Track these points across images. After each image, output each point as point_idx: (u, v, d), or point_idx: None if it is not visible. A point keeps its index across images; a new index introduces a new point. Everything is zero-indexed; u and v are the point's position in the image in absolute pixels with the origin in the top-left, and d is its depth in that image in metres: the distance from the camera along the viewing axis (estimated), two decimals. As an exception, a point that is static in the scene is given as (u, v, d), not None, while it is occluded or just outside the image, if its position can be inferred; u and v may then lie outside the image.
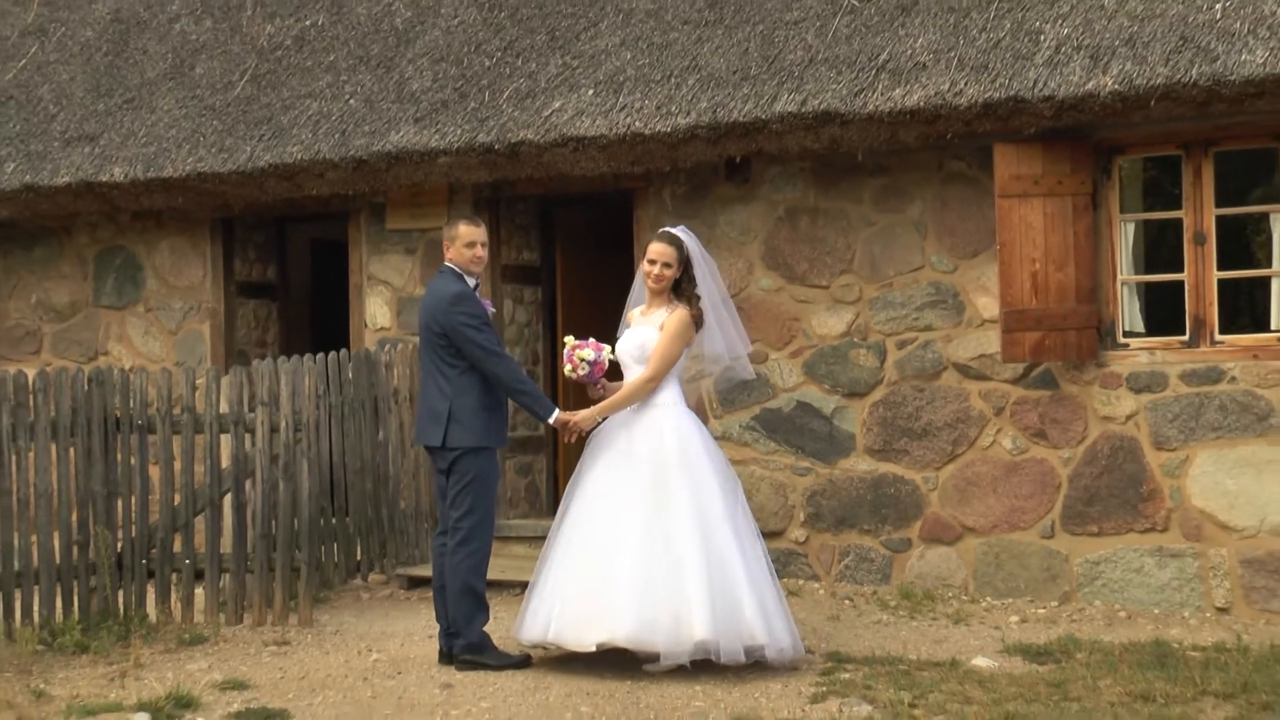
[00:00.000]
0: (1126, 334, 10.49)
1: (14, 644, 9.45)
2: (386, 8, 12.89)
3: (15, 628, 9.63)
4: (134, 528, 10.44)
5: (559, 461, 12.73)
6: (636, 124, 10.93)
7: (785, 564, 10.94)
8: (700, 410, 9.62)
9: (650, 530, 8.60)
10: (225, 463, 10.60)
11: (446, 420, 8.94)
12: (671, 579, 8.52)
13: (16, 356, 13.80)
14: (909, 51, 10.49)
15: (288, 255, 14.35)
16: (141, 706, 8.09)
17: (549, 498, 12.69)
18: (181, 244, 13.37)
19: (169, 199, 12.76)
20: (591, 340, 9.05)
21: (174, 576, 10.53)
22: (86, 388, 10.20)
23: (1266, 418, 9.97)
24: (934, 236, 10.88)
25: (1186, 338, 10.30)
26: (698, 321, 8.93)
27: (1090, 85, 9.82)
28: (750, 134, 10.74)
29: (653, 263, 8.91)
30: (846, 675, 8.57)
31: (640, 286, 9.17)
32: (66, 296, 13.76)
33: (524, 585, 9.42)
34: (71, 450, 10.13)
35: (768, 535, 9.96)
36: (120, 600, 10.29)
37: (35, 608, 9.81)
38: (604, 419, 8.98)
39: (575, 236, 13.18)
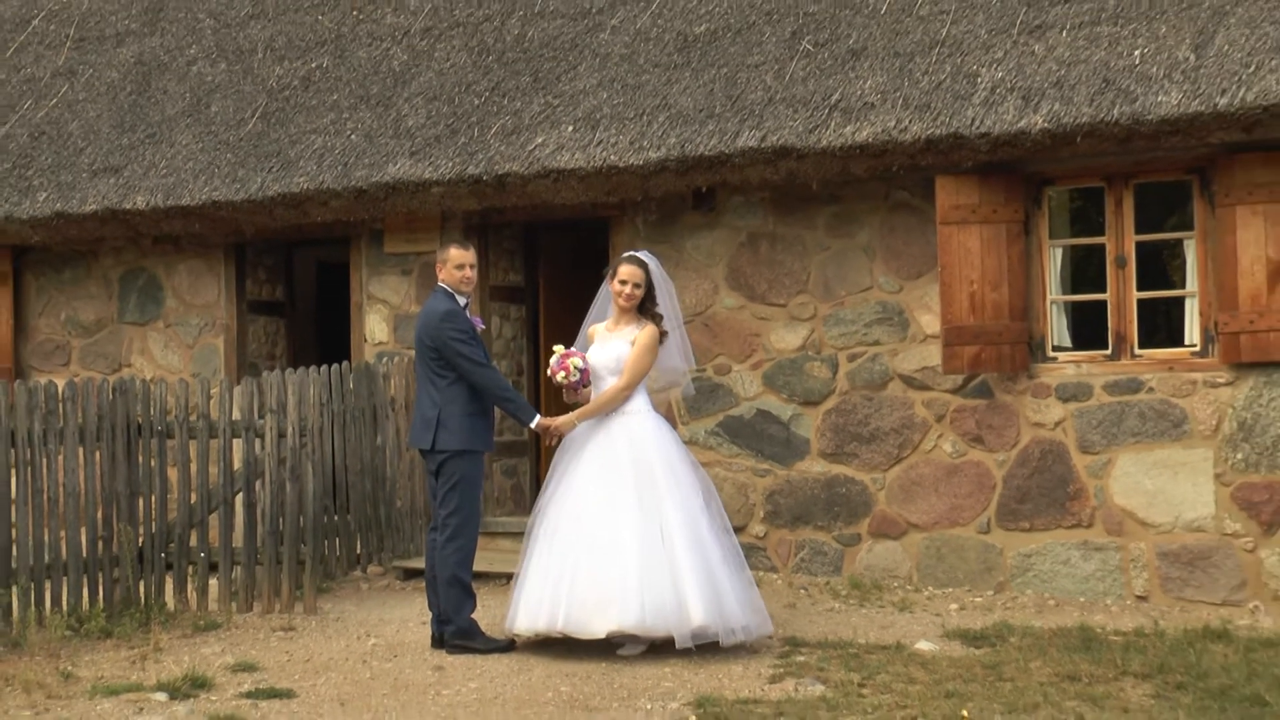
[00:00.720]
0: (1055, 348, 10.50)
1: (44, 630, 9.42)
2: (385, 52, 12.88)
3: (46, 615, 9.60)
4: (154, 524, 10.41)
5: (540, 464, 12.70)
6: (612, 158, 10.94)
7: (747, 557, 10.78)
8: (669, 417, 9.63)
9: (646, 528, 8.61)
10: (237, 465, 10.57)
11: (436, 426, 8.95)
12: (668, 572, 8.53)
13: (48, 368, 13.75)
14: (859, 92, 10.51)
15: (295, 276, 14.31)
16: (160, 686, 8.06)
17: (532, 496, 12.63)
18: (198, 266, 13.33)
19: (187, 225, 12.73)
20: (576, 350, 9.07)
21: (190, 569, 10.50)
22: (111, 397, 10.17)
23: (1181, 424, 10.00)
24: (881, 260, 10.89)
25: (1109, 352, 10.33)
26: (663, 337, 8.98)
27: (1022, 123, 9.85)
28: (715, 167, 10.75)
29: (624, 283, 8.93)
30: (801, 658, 8.57)
31: (604, 304, 9.17)
32: (93, 314, 13.70)
33: (509, 576, 9.42)
34: (97, 454, 10.10)
35: (730, 531, 9.97)
36: (141, 590, 10.26)
37: (64, 597, 9.79)
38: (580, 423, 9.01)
39: (556, 259, 13.16)
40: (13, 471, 9.60)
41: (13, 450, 9.59)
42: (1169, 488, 10.02)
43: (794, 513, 11.08)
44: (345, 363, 11.52)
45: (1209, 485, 9.94)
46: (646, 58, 11.60)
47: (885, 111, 10.30)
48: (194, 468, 10.61)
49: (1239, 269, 9.74)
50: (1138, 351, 10.26)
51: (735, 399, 11.29)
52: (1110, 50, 9.96)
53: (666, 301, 9.11)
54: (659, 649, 8.60)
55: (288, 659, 8.87)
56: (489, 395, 9.01)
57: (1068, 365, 10.38)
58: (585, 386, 9.03)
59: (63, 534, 9.84)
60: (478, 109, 11.88)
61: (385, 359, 12.12)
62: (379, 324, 12.60)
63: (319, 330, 15.22)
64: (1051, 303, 10.50)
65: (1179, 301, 10.50)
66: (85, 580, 9.96)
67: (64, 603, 9.77)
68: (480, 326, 9.20)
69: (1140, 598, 10.06)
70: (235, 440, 10.57)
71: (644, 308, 8.99)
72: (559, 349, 9.07)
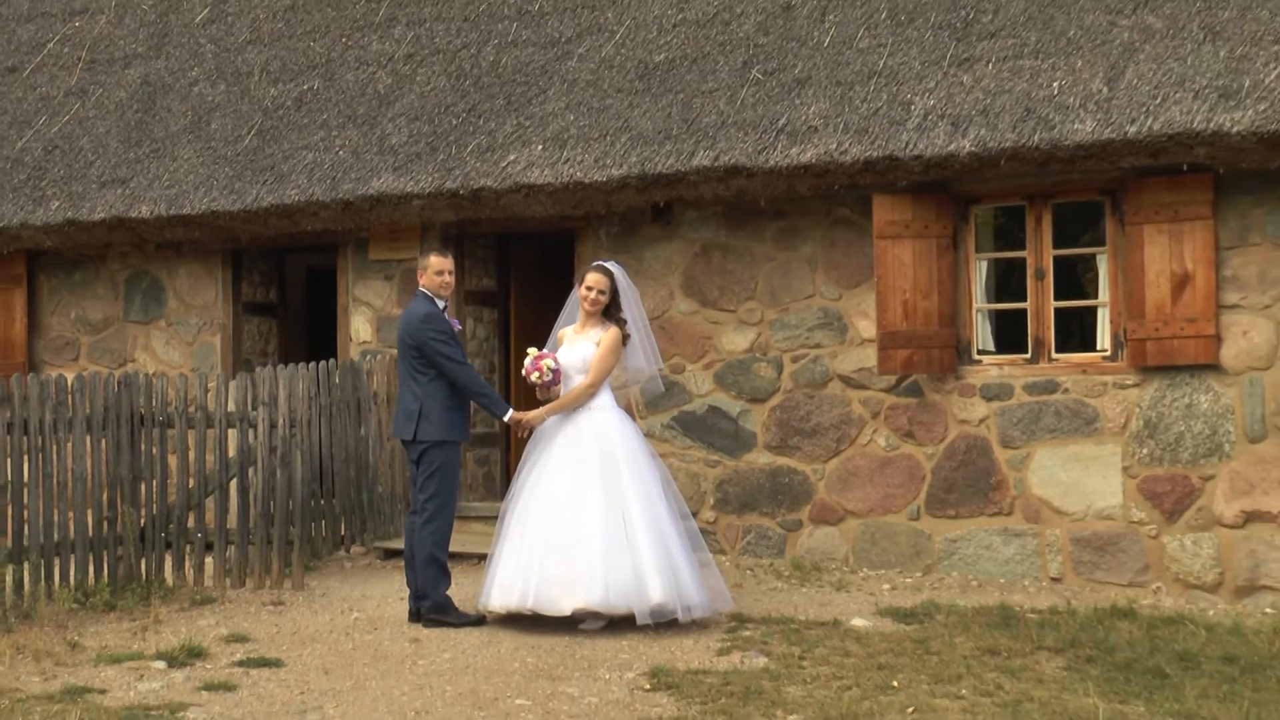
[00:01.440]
0: (980, 352, 10.53)
1: (53, 603, 9.40)
2: (371, 76, 12.82)
3: (54, 589, 9.58)
4: (154, 507, 10.34)
5: (511, 454, 12.66)
6: (578, 174, 10.92)
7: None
8: (629, 412, 9.61)
9: (609, 514, 8.61)
10: (232, 453, 10.54)
11: (418, 418, 8.94)
12: (630, 554, 8.53)
13: (58, 363, 13.66)
14: (804, 117, 10.52)
15: (286, 280, 14.23)
16: (160, 655, 8.04)
17: (502, 484, 12.60)
18: (197, 270, 13.24)
19: (187, 232, 12.65)
20: (548, 352, 9.07)
21: (188, 548, 10.45)
22: (116, 389, 10.12)
23: (1093, 421, 10.05)
24: (823, 270, 10.91)
25: (1029, 355, 10.37)
26: (625, 340, 8.97)
27: (952, 147, 9.88)
28: (672, 184, 10.74)
29: (590, 289, 8.94)
30: (747, 633, 8.58)
31: (573, 309, 9.18)
32: (100, 313, 13.60)
33: (482, 556, 9.40)
34: (103, 441, 10.05)
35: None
36: (142, 567, 10.19)
37: (71, 573, 9.75)
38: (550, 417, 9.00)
39: (526, 267, 13.12)
40: (25, 457, 9.57)
41: (25, 437, 9.56)
42: (1082, 479, 10.06)
43: (741, 500, 11.08)
44: (332, 360, 11.48)
45: (1117, 477, 9.98)
46: (610, 84, 11.58)
47: (828, 135, 10.31)
48: (192, 455, 10.58)
49: (1146, 281, 9.80)
50: (1055, 355, 10.30)
51: (689, 396, 11.29)
52: (1032, 82, 10.00)
53: (632, 307, 9.13)
54: (618, 625, 8.59)
55: (277, 631, 8.84)
56: (466, 391, 9.02)
57: (991, 367, 10.42)
58: (556, 385, 9.04)
59: (71, 515, 9.79)
60: (455, 129, 11.85)
61: (369, 356, 12.07)
62: (363, 324, 12.55)
63: (308, 330, 15.15)
64: (977, 310, 10.53)
65: (1092, 310, 10.55)
66: (91, 558, 9.91)
67: (71, 578, 9.73)
68: (457, 327, 9.20)
69: (1055, 579, 10.10)
70: (230, 430, 10.53)
71: (609, 312, 9.00)
72: (532, 351, 9.07)
